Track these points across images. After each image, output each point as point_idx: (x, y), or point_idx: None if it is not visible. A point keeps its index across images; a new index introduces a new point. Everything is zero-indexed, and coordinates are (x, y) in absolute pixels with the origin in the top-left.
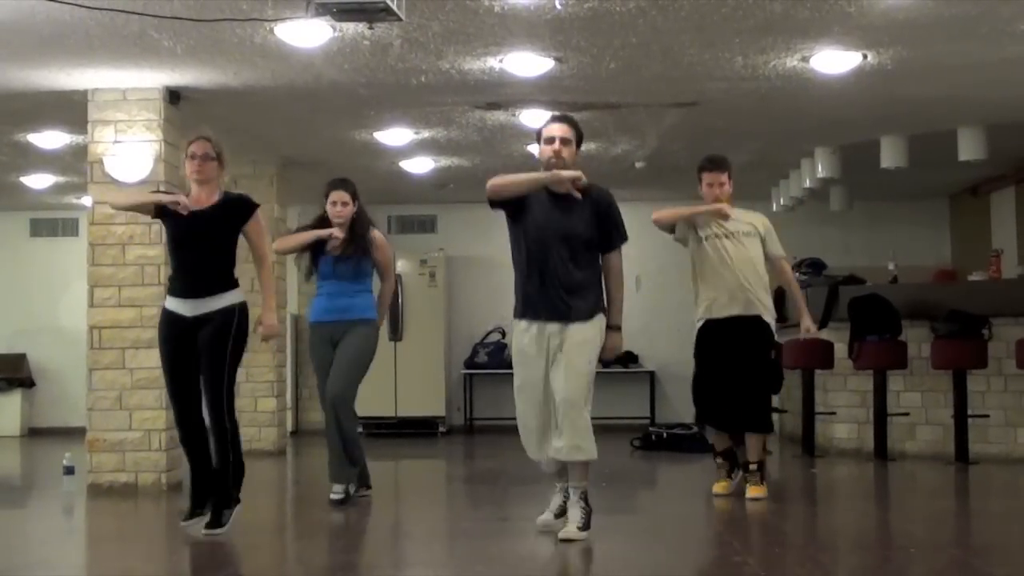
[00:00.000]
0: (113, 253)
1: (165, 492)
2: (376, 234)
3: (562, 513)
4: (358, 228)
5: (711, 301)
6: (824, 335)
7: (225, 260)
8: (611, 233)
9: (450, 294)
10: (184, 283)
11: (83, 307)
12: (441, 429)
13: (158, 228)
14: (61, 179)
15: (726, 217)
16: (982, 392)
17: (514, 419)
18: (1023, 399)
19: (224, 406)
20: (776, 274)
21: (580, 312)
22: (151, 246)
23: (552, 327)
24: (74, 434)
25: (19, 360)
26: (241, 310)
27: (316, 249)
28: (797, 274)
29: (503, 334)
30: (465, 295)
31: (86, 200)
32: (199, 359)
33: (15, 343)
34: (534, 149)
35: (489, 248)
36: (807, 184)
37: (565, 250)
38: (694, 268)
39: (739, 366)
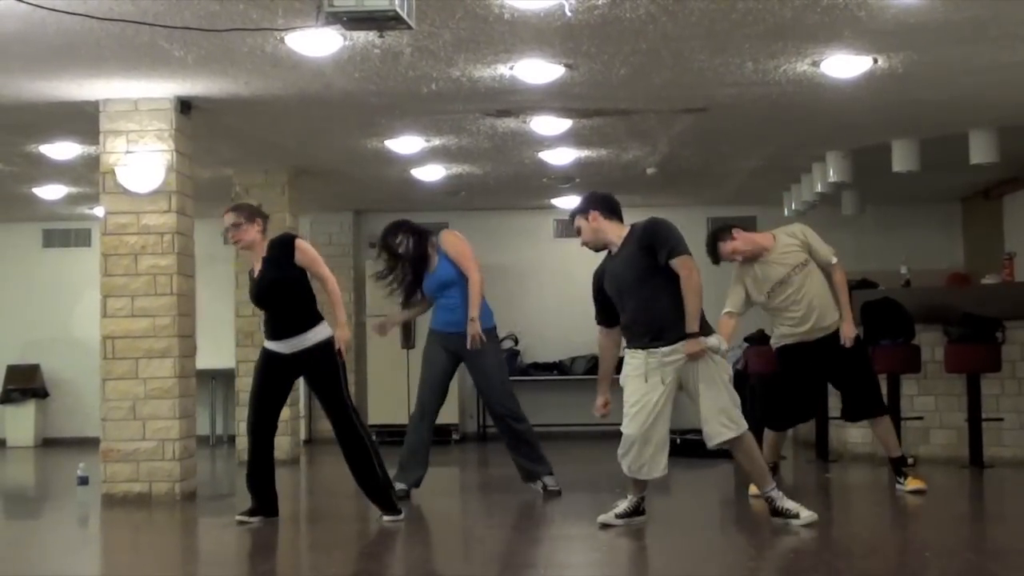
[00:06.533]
0: (126, 263)
1: (179, 502)
2: (443, 235)
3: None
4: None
5: (789, 330)
6: None
7: (298, 300)
8: (655, 250)
9: None
10: (273, 328)
11: (96, 317)
12: (454, 437)
13: (170, 238)
14: (73, 190)
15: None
16: (996, 395)
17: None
18: None
19: (355, 426)
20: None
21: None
22: (163, 256)
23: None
24: (88, 444)
25: (33, 371)
26: (330, 342)
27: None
28: None
29: (516, 341)
30: None
31: (98, 211)
32: (313, 393)
33: (29, 354)
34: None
35: (501, 256)
36: (819, 188)
37: (637, 294)
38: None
39: (834, 373)
